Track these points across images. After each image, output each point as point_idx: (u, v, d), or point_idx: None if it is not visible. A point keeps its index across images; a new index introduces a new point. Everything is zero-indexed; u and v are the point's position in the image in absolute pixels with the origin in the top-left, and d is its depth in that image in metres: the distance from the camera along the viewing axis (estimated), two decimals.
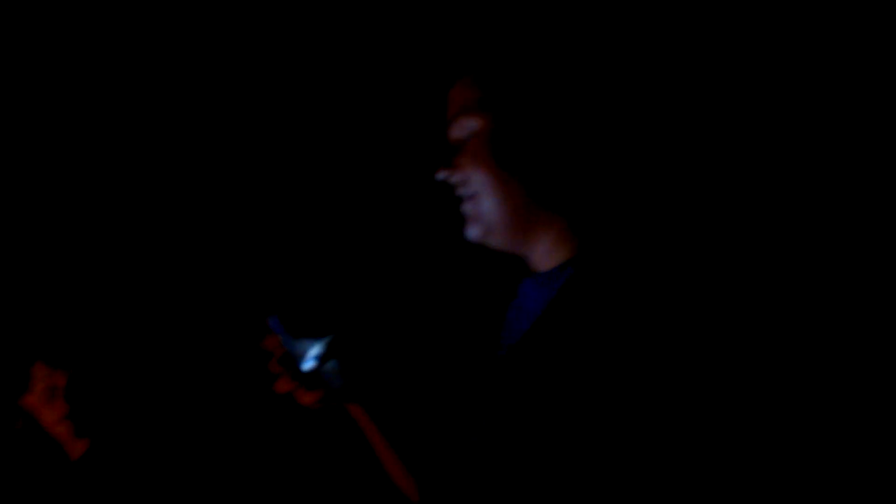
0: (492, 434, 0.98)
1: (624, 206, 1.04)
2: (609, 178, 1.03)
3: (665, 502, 0.87)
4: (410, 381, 1.51)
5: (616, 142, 1.03)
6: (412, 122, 1.67)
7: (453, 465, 1.05)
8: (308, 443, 1.67)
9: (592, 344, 0.91)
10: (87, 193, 1.80)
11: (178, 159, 1.79)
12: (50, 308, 1.81)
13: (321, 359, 1.09)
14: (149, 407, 1.66)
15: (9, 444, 1.68)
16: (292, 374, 1.09)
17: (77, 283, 1.83)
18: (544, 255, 1.03)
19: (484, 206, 1.01)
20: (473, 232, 1.03)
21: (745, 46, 1.50)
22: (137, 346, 1.75)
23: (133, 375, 1.66)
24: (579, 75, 1.02)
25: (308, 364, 1.09)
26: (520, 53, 1.03)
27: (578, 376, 0.91)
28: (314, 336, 1.11)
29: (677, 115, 1.51)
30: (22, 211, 1.81)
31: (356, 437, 1.15)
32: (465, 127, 1.02)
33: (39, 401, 1.49)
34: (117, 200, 1.81)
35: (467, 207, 1.03)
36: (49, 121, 1.77)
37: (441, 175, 1.04)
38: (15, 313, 1.80)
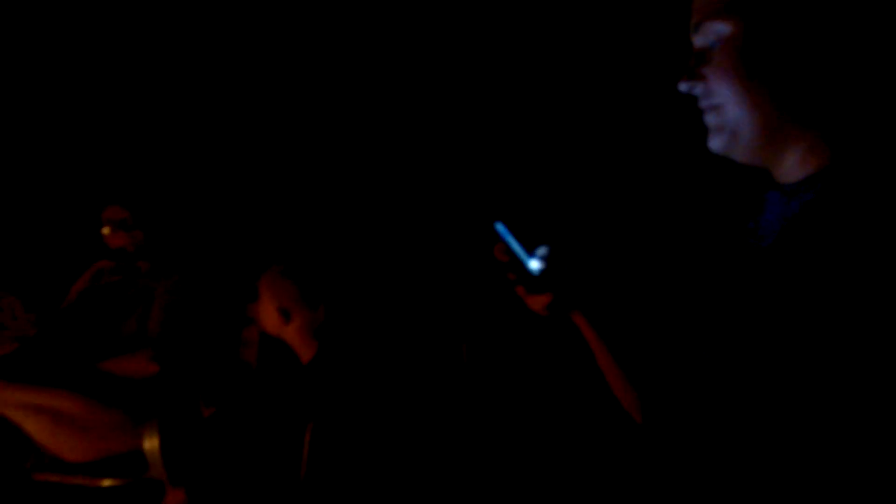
0: (725, 349, 0.96)
1: (885, 117, 0.98)
2: (872, 88, 0.96)
3: None
4: (636, 290, 1.50)
5: (884, 45, 0.96)
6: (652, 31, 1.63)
7: (682, 383, 1.04)
8: (532, 353, 1.70)
9: (843, 260, 0.87)
10: None
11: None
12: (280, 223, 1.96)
13: (547, 260, 1.10)
14: (380, 312, 1.76)
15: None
16: (521, 277, 1.11)
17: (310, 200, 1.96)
18: (791, 167, 0.99)
19: (730, 118, 0.98)
20: (717, 144, 1.01)
21: None
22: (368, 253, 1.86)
23: (363, 285, 1.76)
24: None
25: (536, 264, 1.11)
26: None
27: (823, 292, 0.87)
28: (539, 239, 1.12)
29: None
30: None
31: (580, 350, 1.17)
32: (711, 33, 0.98)
33: (267, 310, 1.62)
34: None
35: (711, 119, 1.00)
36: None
37: (684, 86, 1.02)
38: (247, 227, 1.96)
